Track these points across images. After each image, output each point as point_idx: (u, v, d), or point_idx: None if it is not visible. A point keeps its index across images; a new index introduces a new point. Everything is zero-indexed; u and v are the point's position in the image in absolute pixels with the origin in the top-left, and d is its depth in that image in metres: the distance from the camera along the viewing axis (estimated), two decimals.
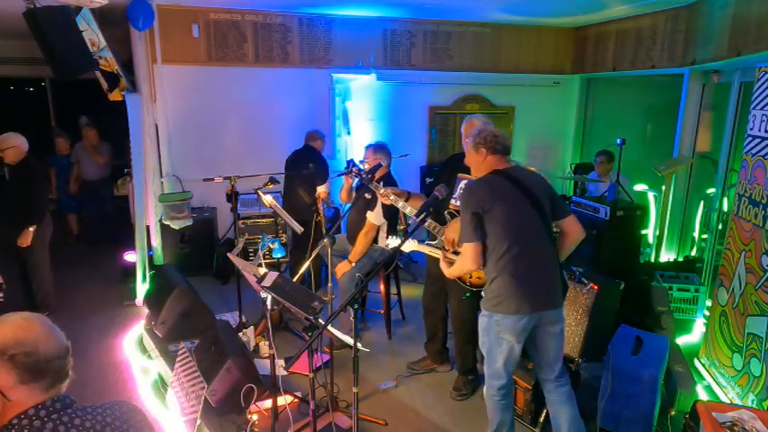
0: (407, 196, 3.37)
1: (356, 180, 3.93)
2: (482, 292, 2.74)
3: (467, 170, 3.29)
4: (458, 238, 3.14)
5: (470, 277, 3.24)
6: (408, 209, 3.33)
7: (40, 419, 1.27)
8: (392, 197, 3.30)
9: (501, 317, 2.57)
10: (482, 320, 2.71)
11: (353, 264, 3.93)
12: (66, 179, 6.67)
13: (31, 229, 4.40)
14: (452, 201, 3.29)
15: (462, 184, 3.27)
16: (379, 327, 4.44)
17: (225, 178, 4.34)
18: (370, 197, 3.84)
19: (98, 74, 4.81)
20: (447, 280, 3.39)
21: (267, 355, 3.35)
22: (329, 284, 3.32)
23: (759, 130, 3.29)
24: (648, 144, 6.37)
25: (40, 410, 1.28)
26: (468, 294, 3.32)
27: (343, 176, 4.24)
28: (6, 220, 4.37)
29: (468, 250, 2.57)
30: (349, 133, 6.30)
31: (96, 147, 6.53)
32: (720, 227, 4.69)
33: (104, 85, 4.94)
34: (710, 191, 5.05)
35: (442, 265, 2.86)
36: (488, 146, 2.65)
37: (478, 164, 2.71)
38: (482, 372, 3.75)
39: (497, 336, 2.61)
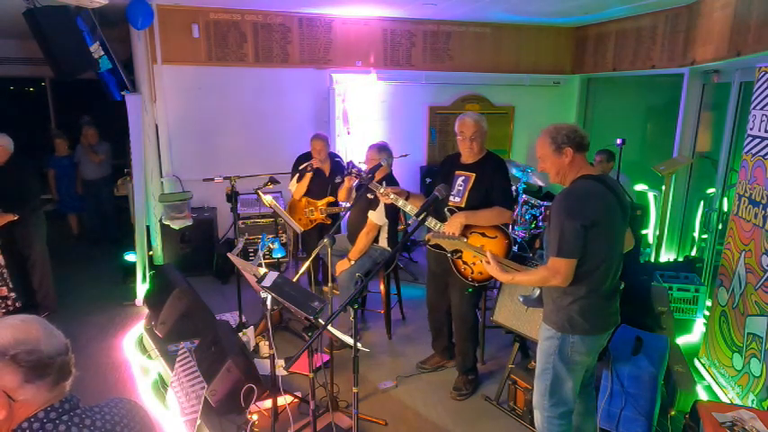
0: (407, 195, 3.38)
1: (356, 180, 3.93)
2: (521, 297, 2.60)
3: (463, 167, 3.32)
4: (457, 232, 3.17)
5: (472, 273, 3.25)
6: (409, 207, 3.35)
7: (52, 422, 1.27)
8: (392, 196, 3.31)
9: (579, 338, 2.34)
10: (549, 344, 2.42)
11: (353, 262, 3.94)
12: (67, 180, 6.67)
13: (10, 215, 4.25)
14: (451, 197, 3.31)
15: (460, 181, 3.29)
16: (379, 327, 4.44)
17: (225, 178, 4.35)
18: (372, 197, 3.85)
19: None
20: (449, 276, 3.41)
21: (267, 355, 3.36)
22: (330, 282, 3.32)
23: (759, 130, 3.29)
24: (648, 144, 6.37)
25: (50, 413, 1.28)
26: (470, 290, 3.35)
27: (345, 177, 4.26)
28: None
29: (564, 267, 2.23)
30: (349, 133, 6.31)
31: (95, 146, 6.53)
32: (720, 227, 4.70)
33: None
34: (710, 191, 5.05)
35: (492, 269, 2.44)
36: (574, 143, 2.30)
37: (561, 167, 2.35)
38: (482, 370, 3.78)
39: (569, 358, 2.39)
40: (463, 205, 3.26)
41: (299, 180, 4.74)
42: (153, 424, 1.54)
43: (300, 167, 4.70)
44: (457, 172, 3.33)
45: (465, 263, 3.27)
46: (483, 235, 3.22)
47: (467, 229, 3.25)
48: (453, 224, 3.20)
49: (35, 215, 4.55)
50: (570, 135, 2.31)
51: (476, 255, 3.03)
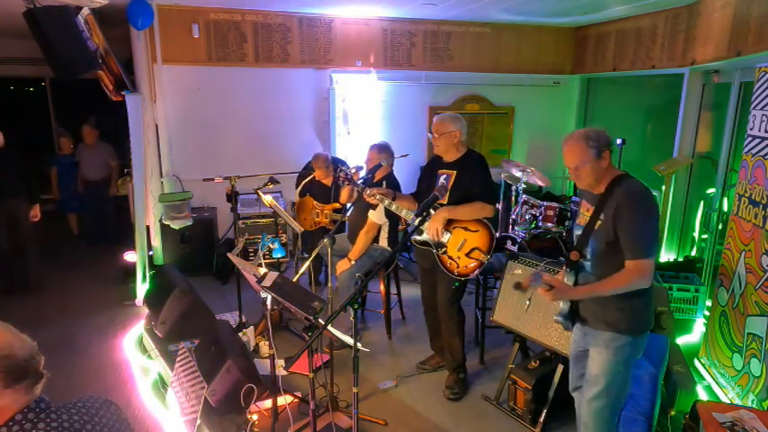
0: (393, 196, 3.41)
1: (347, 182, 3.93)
2: (560, 318, 2.47)
3: (445, 166, 3.39)
4: (441, 227, 3.22)
5: (458, 267, 3.27)
6: (394, 206, 3.41)
7: (30, 422, 1.29)
8: (378, 197, 3.35)
9: (641, 339, 2.33)
10: (624, 351, 2.33)
11: (353, 262, 3.94)
12: (69, 179, 6.67)
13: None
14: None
15: (443, 179, 3.34)
16: (379, 327, 4.44)
17: (225, 178, 4.35)
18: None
19: (101, 73, 4.83)
20: (436, 271, 3.43)
21: (267, 355, 3.36)
22: (329, 284, 3.33)
23: (759, 130, 3.29)
24: (648, 144, 6.37)
25: (28, 414, 1.30)
26: (456, 284, 3.37)
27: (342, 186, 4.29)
28: None
29: (651, 266, 2.18)
30: (349, 133, 6.31)
31: (93, 146, 6.53)
32: (720, 227, 4.69)
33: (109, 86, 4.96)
34: (710, 191, 5.05)
35: (561, 291, 2.31)
36: (609, 146, 2.27)
37: (600, 172, 2.29)
38: (474, 367, 3.78)
39: (632, 362, 2.37)
40: (446, 202, 3.31)
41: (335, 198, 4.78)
42: (126, 417, 1.57)
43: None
44: (440, 171, 3.40)
45: (450, 257, 3.30)
46: (466, 229, 3.28)
47: (450, 224, 3.30)
48: (437, 219, 3.25)
49: None
50: (606, 138, 2.27)
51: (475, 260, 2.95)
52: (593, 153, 2.25)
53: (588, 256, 2.38)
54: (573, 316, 2.47)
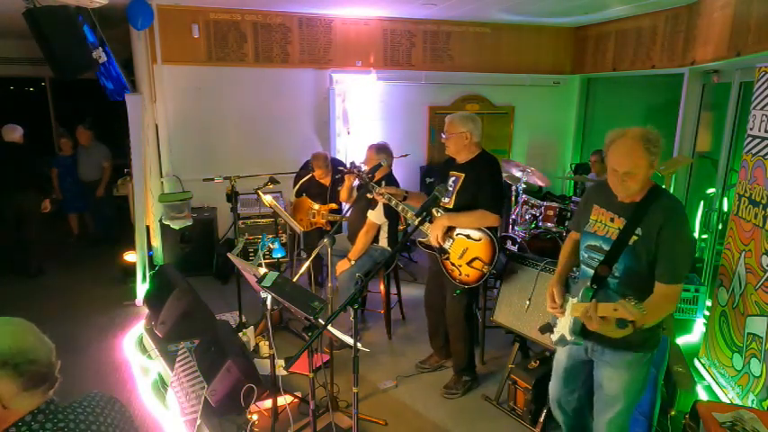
0: (404, 196, 3.38)
1: (356, 178, 3.95)
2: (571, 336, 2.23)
3: (456, 168, 3.34)
4: (440, 234, 3.20)
5: (459, 274, 3.26)
6: (401, 207, 3.39)
7: (38, 422, 1.30)
8: (386, 196, 3.33)
9: (656, 350, 2.28)
10: (645, 367, 2.25)
11: (353, 262, 3.94)
12: (70, 179, 6.67)
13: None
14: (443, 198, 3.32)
15: (451, 181, 3.30)
16: (379, 327, 4.44)
17: (225, 178, 4.35)
18: (371, 196, 3.85)
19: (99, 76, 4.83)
20: (442, 276, 3.41)
21: (267, 355, 3.36)
22: (329, 284, 3.33)
23: (759, 130, 3.29)
24: None
25: (38, 415, 1.31)
26: (458, 291, 3.34)
27: (345, 175, 4.27)
28: None
29: (680, 292, 2.08)
30: (349, 133, 6.31)
31: (88, 147, 6.53)
32: (720, 227, 4.69)
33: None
34: (710, 191, 5.05)
35: (599, 327, 1.96)
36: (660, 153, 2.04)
37: (645, 182, 2.08)
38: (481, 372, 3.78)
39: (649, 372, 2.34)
40: (451, 206, 3.25)
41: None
42: (130, 415, 1.59)
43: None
44: (451, 172, 3.34)
45: (453, 264, 3.27)
46: (468, 237, 3.20)
47: (451, 231, 3.24)
48: (436, 226, 3.21)
49: None
50: (662, 144, 2.03)
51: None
52: (650, 160, 2.01)
53: (617, 273, 2.15)
54: (584, 332, 2.17)
